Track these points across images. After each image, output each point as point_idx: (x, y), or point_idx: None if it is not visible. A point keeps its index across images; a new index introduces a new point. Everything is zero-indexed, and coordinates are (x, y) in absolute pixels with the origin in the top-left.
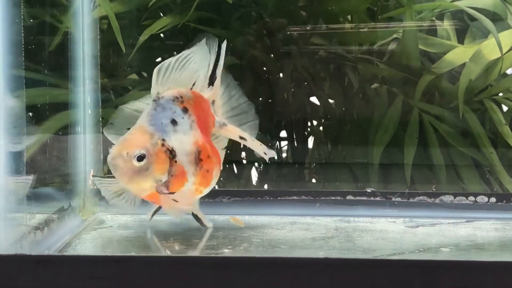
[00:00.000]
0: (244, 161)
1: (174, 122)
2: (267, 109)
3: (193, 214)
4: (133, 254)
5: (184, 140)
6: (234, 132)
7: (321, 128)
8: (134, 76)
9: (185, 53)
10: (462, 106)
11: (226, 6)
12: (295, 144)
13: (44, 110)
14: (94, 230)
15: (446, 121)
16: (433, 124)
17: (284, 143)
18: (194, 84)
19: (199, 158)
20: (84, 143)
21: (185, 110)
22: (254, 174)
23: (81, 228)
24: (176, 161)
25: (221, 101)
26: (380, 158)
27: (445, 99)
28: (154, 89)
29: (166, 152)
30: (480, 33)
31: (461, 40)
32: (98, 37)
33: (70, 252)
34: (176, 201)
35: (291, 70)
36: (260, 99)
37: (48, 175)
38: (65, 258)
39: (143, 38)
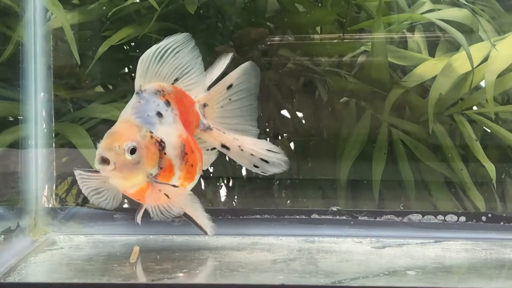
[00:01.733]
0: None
1: (159, 114)
2: None
3: (187, 217)
4: (75, 281)
5: (170, 133)
6: (217, 138)
7: (291, 144)
8: (100, 89)
9: (165, 43)
10: (432, 121)
11: (191, 17)
12: None
13: None
14: (44, 252)
15: (415, 136)
16: (403, 139)
17: None
18: (176, 80)
19: (184, 152)
20: (36, 159)
21: (167, 103)
22: (222, 190)
23: (30, 250)
24: (165, 153)
25: (219, 105)
26: (348, 174)
27: (415, 114)
28: (137, 82)
29: (155, 144)
30: (452, 45)
31: (432, 53)
32: (52, 48)
33: (14, 277)
34: (168, 197)
35: None
36: None
37: None
38: (4, 286)
39: (102, 49)
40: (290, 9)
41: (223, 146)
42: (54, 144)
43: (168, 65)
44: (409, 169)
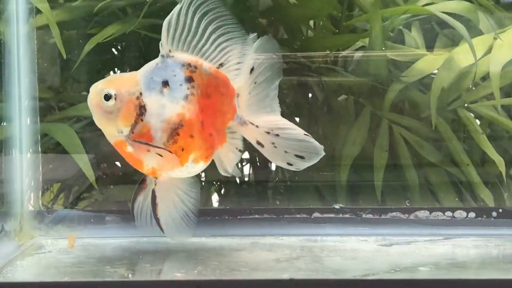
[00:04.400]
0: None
1: (165, 83)
2: None
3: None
4: (66, 279)
5: (167, 106)
6: (252, 134)
7: None
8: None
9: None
10: (435, 116)
11: None
12: (257, 164)
13: None
14: (31, 256)
15: (417, 132)
16: (404, 136)
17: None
18: (221, 65)
19: (176, 131)
20: (21, 162)
21: (188, 79)
22: (214, 196)
23: (16, 253)
24: (142, 120)
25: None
26: (348, 174)
27: (416, 110)
28: (164, 47)
29: (136, 106)
30: (450, 41)
31: (429, 50)
32: (36, 48)
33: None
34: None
35: None
36: None
37: None
38: None
39: (88, 46)
40: (283, 3)
41: (258, 143)
42: (39, 147)
43: (214, 45)
44: (412, 167)
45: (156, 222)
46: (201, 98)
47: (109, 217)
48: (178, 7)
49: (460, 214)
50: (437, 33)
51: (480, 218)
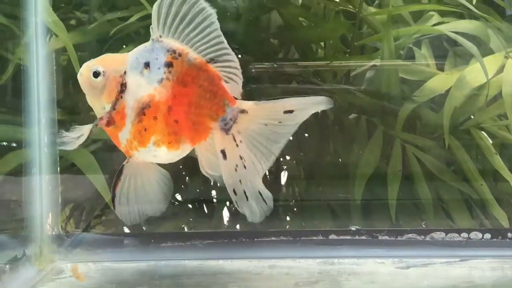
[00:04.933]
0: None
1: (147, 65)
2: None
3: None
4: None
5: (142, 86)
6: (224, 144)
7: (294, 162)
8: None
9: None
10: (448, 136)
11: None
12: (267, 180)
13: None
14: (52, 281)
15: (430, 152)
16: (417, 156)
17: None
18: (213, 60)
19: (142, 111)
20: (40, 185)
21: (168, 64)
22: (226, 214)
23: (37, 279)
24: (122, 97)
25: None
26: (362, 194)
27: (429, 129)
28: (155, 32)
29: (118, 83)
30: (461, 59)
31: (440, 68)
32: (54, 70)
33: None
34: None
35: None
36: None
37: None
38: None
39: None
40: (294, 23)
41: (223, 152)
42: (58, 169)
43: (206, 39)
44: (425, 187)
45: (111, 196)
46: (176, 84)
47: (128, 240)
48: None
49: (475, 235)
50: (447, 50)
51: (495, 239)
